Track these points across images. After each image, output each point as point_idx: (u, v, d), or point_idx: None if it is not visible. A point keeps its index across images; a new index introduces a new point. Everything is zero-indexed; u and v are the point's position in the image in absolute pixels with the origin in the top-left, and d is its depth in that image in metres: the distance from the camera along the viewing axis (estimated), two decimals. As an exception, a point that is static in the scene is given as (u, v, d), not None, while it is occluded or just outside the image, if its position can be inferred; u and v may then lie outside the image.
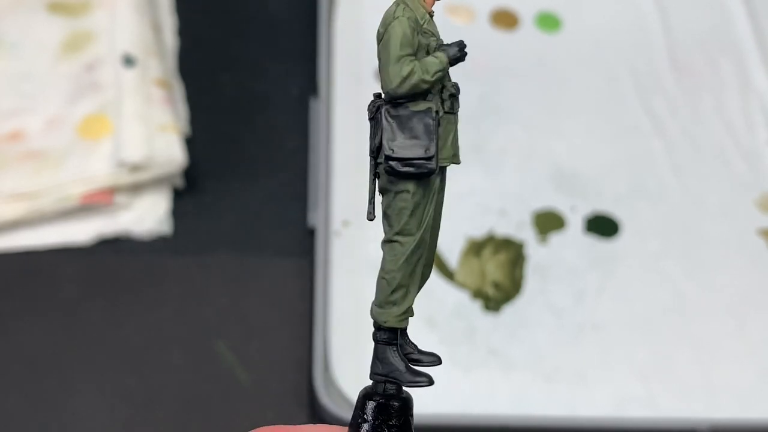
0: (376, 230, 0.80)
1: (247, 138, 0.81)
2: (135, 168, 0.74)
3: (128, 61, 0.79)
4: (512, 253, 0.74)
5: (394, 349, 0.40)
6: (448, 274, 0.73)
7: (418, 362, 0.41)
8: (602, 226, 0.76)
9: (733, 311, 0.73)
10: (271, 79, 0.85)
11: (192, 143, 0.79)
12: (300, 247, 0.75)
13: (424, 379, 0.40)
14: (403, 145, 0.37)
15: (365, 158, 0.86)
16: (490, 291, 0.72)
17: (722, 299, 0.73)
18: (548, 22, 0.88)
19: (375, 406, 0.39)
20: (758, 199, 0.79)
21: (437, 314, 0.71)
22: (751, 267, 0.75)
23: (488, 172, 0.79)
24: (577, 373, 0.69)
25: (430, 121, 0.37)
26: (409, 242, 0.39)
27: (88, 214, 0.75)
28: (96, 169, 0.74)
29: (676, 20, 0.89)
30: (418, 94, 0.37)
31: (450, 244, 0.74)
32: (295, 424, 0.68)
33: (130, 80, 0.78)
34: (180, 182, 0.77)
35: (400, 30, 0.37)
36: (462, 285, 0.72)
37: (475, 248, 0.74)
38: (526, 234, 0.75)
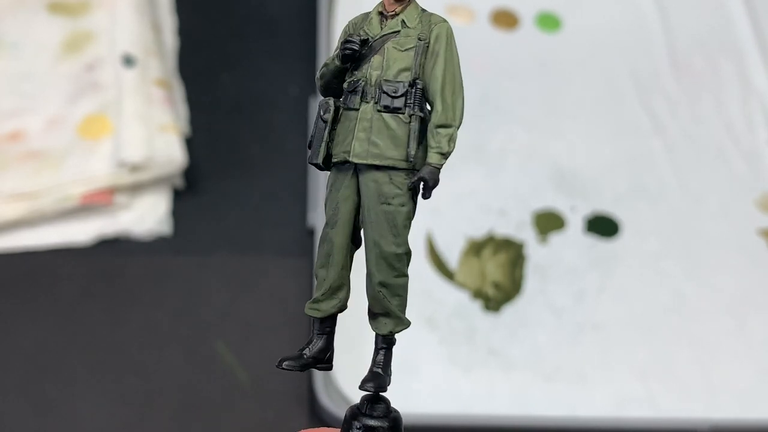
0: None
1: (247, 138, 0.81)
2: (135, 168, 0.74)
3: (128, 61, 0.79)
4: (512, 253, 0.74)
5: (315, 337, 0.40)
6: (448, 274, 0.73)
7: (361, 383, 0.39)
8: (602, 226, 0.76)
9: (733, 311, 0.73)
10: (270, 79, 0.85)
11: (192, 143, 0.79)
12: (300, 247, 0.75)
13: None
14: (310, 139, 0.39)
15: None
16: (490, 291, 0.72)
17: (722, 299, 0.73)
18: (548, 22, 0.88)
19: (362, 428, 0.38)
20: (758, 198, 0.79)
21: (437, 314, 0.71)
22: (751, 267, 0.75)
23: (488, 172, 0.79)
24: (577, 373, 0.69)
25: (316, 115, 0.39)
26: (320, 236, 0.39)
27: (88, 214, 0.75)
28: (96, 169, 0.74)
29: (676, 20, 0.89)
30: (332, 93, 0.39)
31: (450, 244, 0.74)
32: (293, 425, 0.68)
33: (130, 80, 0.78)
34: (180, 182, 0.77)
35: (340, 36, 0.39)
36: (462, 285, 0.72)
37: (475, 248, 0.74)
38: (526, 234, 0.75)
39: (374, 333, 0.40)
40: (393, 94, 0.38)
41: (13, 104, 0.79)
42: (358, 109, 0.38)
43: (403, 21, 0.38)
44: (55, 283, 0.72)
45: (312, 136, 0.39)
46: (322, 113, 0.38)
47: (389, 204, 0.38)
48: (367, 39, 0.38)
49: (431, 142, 0.37)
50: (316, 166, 0.39)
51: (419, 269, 0.73)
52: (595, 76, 0.85)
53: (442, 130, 0.37)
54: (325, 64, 0.39)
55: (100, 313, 0.71)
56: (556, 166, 0.79)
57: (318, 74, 0.39)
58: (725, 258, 0.76)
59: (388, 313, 0.39)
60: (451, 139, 0.37)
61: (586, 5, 0.89)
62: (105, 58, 0.80)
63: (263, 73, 0.85)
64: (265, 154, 0.80)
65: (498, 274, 0.73)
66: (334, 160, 0.38)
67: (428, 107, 0.38)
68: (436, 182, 0.37)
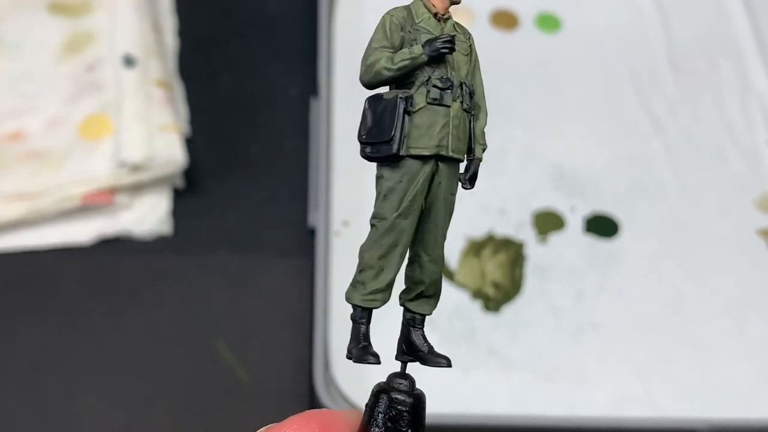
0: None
1: (247, 138, 0.81)
2: (135, 168, 0.74)
3: (129, 61, 0.79)
4: (512, 253, 0.74)
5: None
6: (448, 274, 0.73)
7: (425, 361, 0.42)
8: (602, 226, 0.76)
9: (732, 311, 0.73)
10: (271, 79, 0.85)
11: (192, 143, 0.79)
12: (300, 247, 0.75)
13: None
14: (370, 132, 0.40)
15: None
16: (490, 291, 0.72)
17: (721, 299, 0.73)
18: (548, 22, 0.88)
19: (388, 402, 0.40)
20: (758, 199, 0.79)
21: (437, 314, 0.70)
22: (750, 267, 0.75)
23: (488, 172, 0.79)
24: (577, 372, 0.69)
25: (395, 108, 0.39)
26: (382, 226, 0.40)
27: (88, 214, 0.75)
28: (97, 169, 0.75)
29: (675, 20, 0.89)
30: (396, 84, 0.40)
31: (450, 244, 0.74)
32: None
33: (130, 80, 0.78)
34: (180, 182, 0.77)
35: (381, 25, 0.40)
36: (462, 285, 0.72)
37: (475, 248, 0.74)
38: (526, 234, 0.76)
39: (412, 315, 0.43)
40: (472, 96, 0.41)
41: (14, 104, 0.79)
42: (449, 106, 0.40)
43: (455, 25, 0.41)
44: (56, 283, 0.72)
45: (395, 128, 0.39)
46: (407, 106, 0.39)
47: (453, 194, 0.41)
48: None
49: (480, 139, 0.41)
50: (394, 157, 0.39)
51: (419, 269, 0.73)
52: (595, 76, 0.85)
53: (484, 130, 0.42)
54: (411, 58, 0.39)
55: (100, 313, 0.71)
56: (556, 166, 0.80)
57: (390, 64, 0.39)
58: (725, 258, 0.76)
59: (437, 293, 0.43)
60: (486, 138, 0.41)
61: (586, 6, 0.89)
62: (105, 59, 0.80)
63: (263, 74, 0.85)
64: (266, 155, 0.80)
65: (498, 274, 0.73)
66: (415, 152, 0.39)
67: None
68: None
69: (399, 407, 0.40)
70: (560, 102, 0.83)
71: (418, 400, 0.40)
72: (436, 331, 0.70)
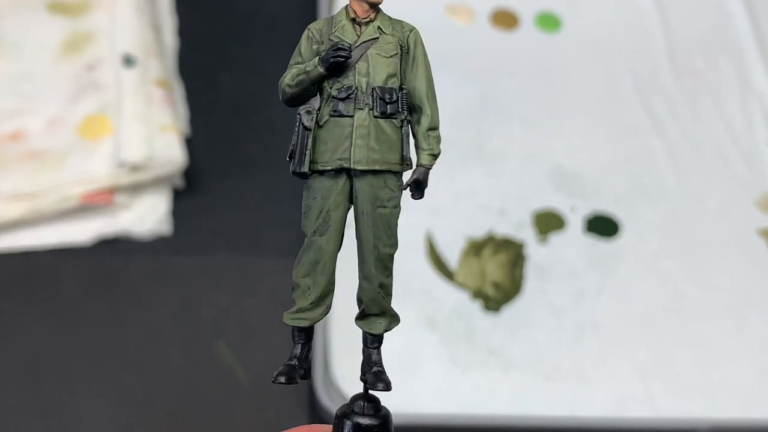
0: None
1: (247, 138, 0.81)
2: (135, 168, 0.74)
3: (128, 61, 0.79)
4: (512, 253, 0.74)
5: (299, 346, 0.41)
6: (448, 274, 0.73)
7: (366, 383, 0.40)
8: (602, 226, 0.76)
9: (732, 311, 0.73)
10: (270, 79, 0.84)
11: (192, 143, 0.80)
12: (300, 247, 0.75)
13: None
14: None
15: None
16: (490, 291, 0.72)
17: (722, 299, 0.73)
18: (548, 22, 0.88)
19: (353, 426, 0.38)
20: (758, 199, 0.79)
21: (437, 314, 0.71)
22: (750, 267, 0.75)
23: (488, 172, 0.79)
24: (577, 373, 0.69)
25: (296, 124, 0.39)
26: (304, 242, 0.40)
27: (88, 214, 0.75)
28: (96, 169, 0.75)
29: (675, 20, 0.89)
30: (302, 100, 0.39)
31: (450, 244, 0.74)
32: (293, 425, 0.68)
33: (130, 80, 0.78)
34: (180, 182, 0.77)
35: (300, 41, 0.39)
36: (462, 285, 0.72)
37: (475, 248, 0.74)
38: (526, 234, 0.75)
39: (365, 333, 0.41)
40: (388, 100, 0.38)
41: (14, 104, 0.79)
42: (352, 116, 0.38)
43: (379, 27, 0.39)
44: (55, 283, 0.72)
45: (293, 145, 0.39)
46: (305, 121, 0.39)
47: (384, 207, 0.39)
48: (350, 46, 0.38)
49: (423, 144, 0.39)
50: (300, 175, 0.39)
51: (419, 269, 0.73)
52: (595, 76, 0.85)
53: (432, 133, 0.39)
54: (305, 71, 0.39)
55: (100, 313, 0.71)
56: (556, 166, 0.80)
57: (289, 81, 0.39)
58: (725, 258, 0.76)
59: (384, 312, 0.40)
60: (439, 141, 0.39)
61: (586, 5, 0.89)
62: (105, 59, 0.81)
63: (263, 73, 0.85)
64: (265, 154, 0.80)
65: (498, 274, 0.73)
66: (321, 168, 0.39)
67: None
68: (427, 183, 0.39)
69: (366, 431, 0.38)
70: (560, 102, 0.83)
71: (385, 421, 0.39)
72: (436, 331, 0.70)
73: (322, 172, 0.39)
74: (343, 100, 0.38)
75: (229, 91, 0.84)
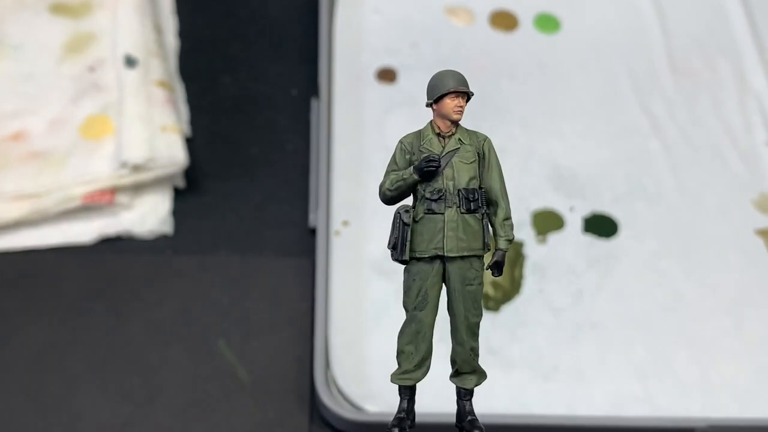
0: (376, 230, 0.81)
1: (247, 138, 0.82)
2: (136, 168, 0.75)
3: (130, 62, 0.79)
4: (511, 252, 0.75)
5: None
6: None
7: (460, 429, 0.50)
8: (601, 226, 0.77)
9: (730, 311, 0.73)
10: (271, 79, 0.85)
11: (193, 143, 0.80)
12: (301, 247, 0.75)
13: None
14: (389, 239, 0.47)
15: (365, 158, 0.86)
16: (490, 291, 0.73)
17: (720, 299, 0.74)
18: (547, 23, 0.88)
19: None
20: (756, 199, 0.79)
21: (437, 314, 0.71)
22: (749, 267, 0.75)
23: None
24: (576, 372, 0.69)
25: (395, 220, 0.47)
26: (406, 317, 0.48)
27: (89, 214, 0.75)
28: (98, 169, 0.75)
29: (674, 21, 0.89)
30: (399, 200, 0.47)
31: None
32: (294, 424, 0.68)
33: (131, 81, 0.78)
34: (181, 182, 0.78)
35: (394, 151, 0.48)
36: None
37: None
38: (525, 234, 0.76)
39: (459, 388, 0.50)
40: (471, 199, 0.47)
41: (16, 105, 0.79)
42: (443, 213, 0.46)
43: (459, 139, 0.47)
44: (58, 282, 0.73)
45: (395, 238, 0.47)
46: (405, 219, 0.47)
47: (471, 284, 0.47)
48: (439, 157, 0.46)
49: (500, 232, 0.47)
50: (402, 261, 0.47)
51: (419, 269, 0.73)
52: (594, 76, 0.85)
53: (506, 222, 0.48)
54: (403, 179, 0.47)
55: (101, 312, 0.72)
56: (555, 166, 0.80)
57: (389, 186, 0.47)
58: (723, 258, 0.76)
59: (475, 371, 0.50)
60: (512, 228, 0.48)
61: (585, 7, 0.90)
62: (107, 60, 0.81)
63: (264, 74, 0.85)
64: (266, 155, 0.81)
65: (497, 273, 0.73)
66: (419, 255, 0.47)
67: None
68: (504, 263, 0.48)
69: None
70: (559, 102, 0.84)
71: None
72: (435, 331, 0.70)
73: (419, 259, 0.47)
74: (435, 200, 0.46)
75: (229, 92, 0.84)
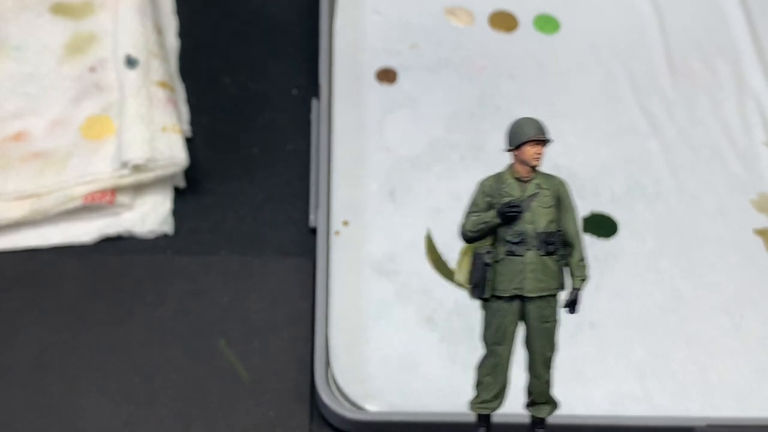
0: (377, 230, 0.81)
1: (248, 138, 0.82)
2: (137, 168, 0.75)
3: (131, 62, 0.80)
4: (511, 252, 0.75)
5: None
6: (447, 273, 0.73)
7: None
8: (600, 225, 0.77)
9: (730, 310, 0.73)
10: (271, 79, 0.85)
11: (194, 143, 0.80)
12: (301, 247, 0.75)
13: None
14: (469, 278, 0.51)
15: (365, 158, 0.87)
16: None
17: (719, 298, 0.74)
18: (546, 23, 0.89)
19: None
20: (755, 199, 0.79)
21: (437, 313, 0.71)
22: (748, 266, 0.76)
23: (488, 172, 0.79)
24: (575, 371, 0.70)
25: (477, 261, 0.50)
26: (486, 350, 0.52)
27: (90, 214, 0.75)
28: (99, 169, 0.75)
29: (673, 22, 0.89)
30: (480, 240, 0.51)
31: (450, 243, 0.75)
32: (295, 423, 0.68)
33: (132, 81, 0.78)
34: (182, 182, 0.78)
35: (474, 192, 0.51)
36: (461, 284, 0.73)
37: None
38: (525, 234, 0.76)
39: (533, 417, 0.54)
40: (550, 242, 0.50)
41: (17, 105, 0.79)
42: (523, 255, 0.49)
43: (538, 184, 0.50)
44: (58, 281, 0.73)
45: (478, 278, 0.50)
46: (486, 259, 0.50)
47: (548, 322, 0.51)
48: (520, 202, 0.49)
49: (576, 272, 0.51)
50: (483, 299, 0.51)
51: (419, 268, 0.73)
52: (593, 77, 0.86)
53: (581, 263, 0.51)
54: (484, 222, 0.50)
55: (102, 312, 0.72)
56: (554, 166, 0.79)
57: (471, 227, 0.50)
58: (722, 258, 0.76)
59: (548, 401, 0.54)
60: (586, 268, 0.51)
61: (584, 7, 0.90)
62: (108, 60, 0.81)
63: (265, 75, 0.85)
64: (267, 155, 0.81)
65: (497, 273, 0.74)
66: (499, 294, 0.50)
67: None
68: (579, 301, 0.51)
69: None
70: (558, 102, 0.84)
71: None
72: (435, 330, 0.71)
73: (499, 297, 0.50)
74: (516, 243, 0.49)
75: (230, 92, 0.84)
